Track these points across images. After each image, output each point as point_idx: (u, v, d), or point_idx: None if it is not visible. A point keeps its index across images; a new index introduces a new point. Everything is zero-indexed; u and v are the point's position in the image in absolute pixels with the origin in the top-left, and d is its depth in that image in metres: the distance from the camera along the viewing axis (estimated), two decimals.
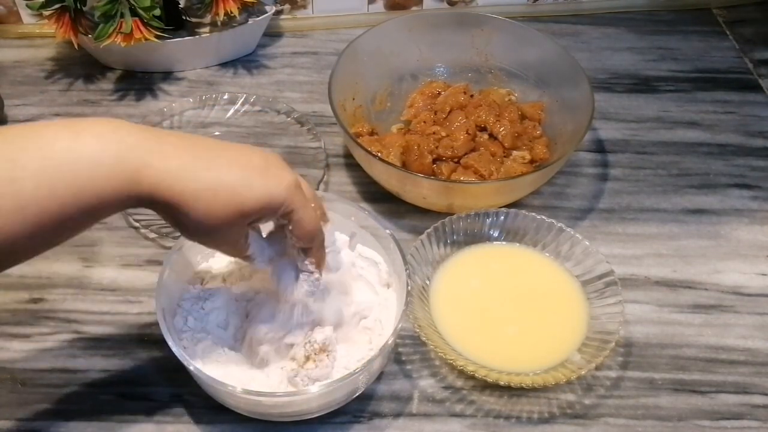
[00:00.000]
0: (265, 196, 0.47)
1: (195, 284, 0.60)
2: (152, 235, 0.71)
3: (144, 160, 0.44)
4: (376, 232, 0.62)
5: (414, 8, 0.99)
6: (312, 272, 0.54)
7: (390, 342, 0.55)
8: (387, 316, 0.60)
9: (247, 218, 0.48)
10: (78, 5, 0.81)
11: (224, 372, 0.55)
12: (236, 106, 0.84)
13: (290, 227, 0.50)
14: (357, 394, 0.58)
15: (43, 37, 0.93)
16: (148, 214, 0.72)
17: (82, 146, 0.43)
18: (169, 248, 0.62)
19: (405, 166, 0.73)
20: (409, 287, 0.58)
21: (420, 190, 0.70)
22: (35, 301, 0.67)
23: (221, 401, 0.57)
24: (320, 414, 0.58)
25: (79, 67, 0.90)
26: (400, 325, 0.55)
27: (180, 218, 0.46)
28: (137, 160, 0.43)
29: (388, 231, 0.60)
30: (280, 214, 0.49)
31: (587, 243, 0.65)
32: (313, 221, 0.51)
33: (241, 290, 0.59)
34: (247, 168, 0.46)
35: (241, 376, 0.55)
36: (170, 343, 0.53)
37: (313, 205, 0.52)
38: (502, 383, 0.58)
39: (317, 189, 0.74)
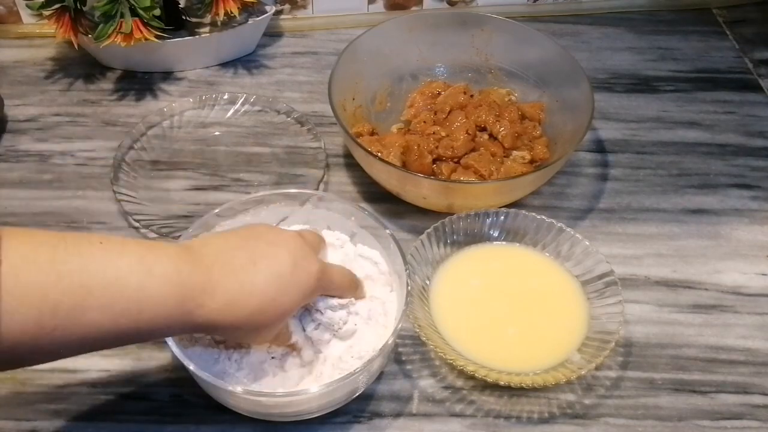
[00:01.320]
0: (300, 295, 0.51)
1: None
2: (152, 235, 0.71)
3: (197, 301, 0.46)
4: (376, 232, 0.62)
5: (414, 8, 0.99)
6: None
7: (390, 342, 0.55)
8: (387, 316, 0.60)
9: (288, 317, 0.52)
10: (78, 5, 0.81)
11: (224, 371, 0.55)
12: (236, 106, 0.84)
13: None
14: (357, 394, 0.58)
15: (43, 37, 0.93)
16: (148, 214, 0.72)
17: (152, 288, 0.44)
18: None
19: (405, 166, 0.73)
20: (409, 287, 0.58)
21: (420, 190, 0.70)
22: None
23: (221, 401, 0.56)
24: (320, 414, 0.58)
25: (79, 67, 0.90)
26: (400, 325, 0.55)
27: (232, 335, 0.52)
28: (192, 301, 0.46)
29: (388, 231, 0.60)
30: (317, 295, 0.54)
31: (587, 243, 0.65)
32: (348, 284, 0.56)
33: None
34: (282, 275, 0.50)
35: (241, 375, 0.55)
36: (170, 342, 0.53)
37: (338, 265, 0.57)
38: (502, 383, 0.58)
39: (317, 189, 0.74)
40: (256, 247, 0.50)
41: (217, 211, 0.61)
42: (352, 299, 0.57)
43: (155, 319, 0.45)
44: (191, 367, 0.52)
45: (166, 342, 0.53)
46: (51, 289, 0.41)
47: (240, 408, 0.56)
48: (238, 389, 0.52)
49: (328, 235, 0.63)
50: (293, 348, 0.56)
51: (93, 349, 0.45)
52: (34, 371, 0.61)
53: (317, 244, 0.58)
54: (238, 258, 0.49)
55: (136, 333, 0.45)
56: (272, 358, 0.56)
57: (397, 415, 0.60)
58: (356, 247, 0.62)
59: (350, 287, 0.57)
